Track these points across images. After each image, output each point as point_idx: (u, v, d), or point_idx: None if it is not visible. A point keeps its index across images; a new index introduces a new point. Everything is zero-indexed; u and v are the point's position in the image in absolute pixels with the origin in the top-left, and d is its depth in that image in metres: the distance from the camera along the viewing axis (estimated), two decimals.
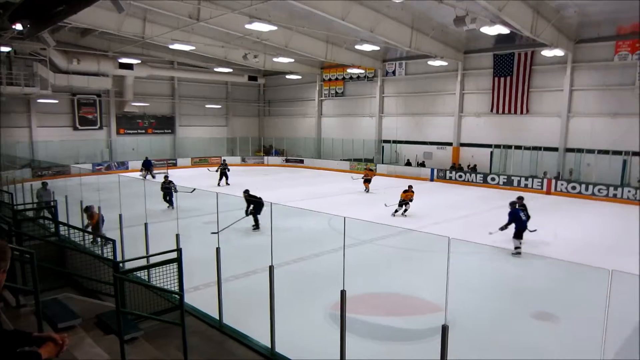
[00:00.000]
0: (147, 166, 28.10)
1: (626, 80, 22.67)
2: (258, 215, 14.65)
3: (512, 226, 12.47)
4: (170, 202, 17.99)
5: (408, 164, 31.21)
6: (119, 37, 26.21)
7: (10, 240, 6.68)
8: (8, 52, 25.16)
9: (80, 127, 32.43)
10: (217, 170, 26.39)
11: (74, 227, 8.99)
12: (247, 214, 14.46)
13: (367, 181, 23.67)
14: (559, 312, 8.60)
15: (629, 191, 21.63)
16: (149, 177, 27.25)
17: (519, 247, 12.29)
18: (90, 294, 7.08)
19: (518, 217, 12.41)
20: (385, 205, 17.49)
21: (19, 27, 14.82)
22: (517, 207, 12.75)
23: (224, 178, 25.82)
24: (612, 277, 3.39)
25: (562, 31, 22.54)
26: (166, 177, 19.52)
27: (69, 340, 2.71)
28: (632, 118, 22.61)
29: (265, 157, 38.69)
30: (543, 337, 7.72)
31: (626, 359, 6.77)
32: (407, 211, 17.51)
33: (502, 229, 12.48)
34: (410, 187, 17.89)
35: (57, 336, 2.65)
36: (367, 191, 23.33)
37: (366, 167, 26.32)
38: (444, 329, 4.17)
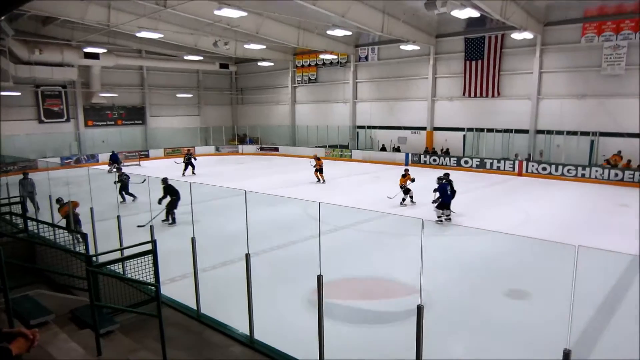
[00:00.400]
0: (115, 160, 27.49)
1: (593, 62, 23.15)
2: (174, 210, 13.94)
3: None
4: (130, 195, 17.45)
5: (383, 149, 31.37)
6: (82, 26, 25.36)
7: None
8: None
9: (46, 120, 31.38)
10: (183, 161, 25.97)
11: (44, 222, 8.75)
12: (159, 203, 13.75)
13: (318, 171, 22.34)
14: (531, 289, 8.81)
15: (597, 171, 22.21)
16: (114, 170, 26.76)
17: (441, 217, 14.06)
18: (63, 290, 6.93)
19: (445, 191, 14.09)
20: (388, 197, 16.76)
21: None
22: (444, 182, 14.27)
23: (189, 168, 25.39)
24: (579, 252, 3.45)
25: (531, 14, 22.83)
26: (119, 168, 18.88)
27: (40, 335, 2.64)
28: (599, 99, 23.22)
29: (240, 146, 38.34)
30: (516, 314, 7.92)
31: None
32: (413, 197, 16.85)
33: (434, 202, 14.22)
34: (406, 170, 17.41)
35: (27, 331, 2.58)
36: (320, 181, 22.19)
37: (314, 154, 24.77)
38: (419, 309, 4.21)
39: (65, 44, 28.85)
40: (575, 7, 22.54)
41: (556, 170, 23.44)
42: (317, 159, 22.92)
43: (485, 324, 7.52)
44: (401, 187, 16.86)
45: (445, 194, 14.04)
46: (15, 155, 26.61)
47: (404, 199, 16.84)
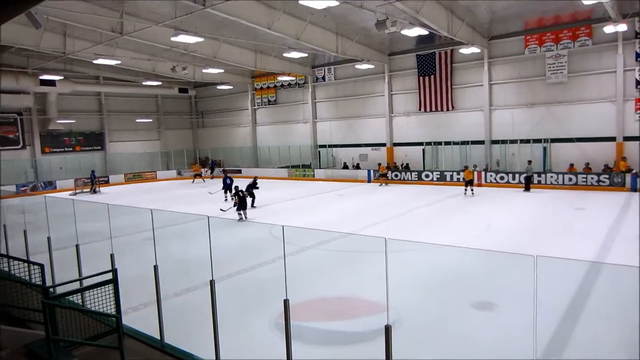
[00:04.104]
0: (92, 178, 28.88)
1: (538, 72, 24.35)
2: None
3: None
4: None
5: (345, 167, 31.72)
6: (38, 53, 24.96)
7: None
8: None
9: (0, 147, 30.57)
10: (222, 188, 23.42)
11: None
12: None
13: None
14: (497, 301, 8.84)
15: (552, 177, 23.08)
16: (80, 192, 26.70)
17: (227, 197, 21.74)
18: (19, 323, 6.74)
19: (225, 181, 22.42)
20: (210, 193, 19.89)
21: None
22: (226, 175, 23.10)
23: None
24: (538, 262, 3.59)
25: (476, 29, 23.87)
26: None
27: None
28: (546, 106, 24.39)
29: (202, 169, 37.96)
30: (484, 327, 7.92)
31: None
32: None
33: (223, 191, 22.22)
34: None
35: None
36: None
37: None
38: (387, 329, 4.23)
39: (20, 71, 28.25)
40: (516, 20, 23.58)
41: (513, 178, 24.17)
42: None
43: (453, 338, 7.51)
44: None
45: (225, 183, 22.24)
46: None
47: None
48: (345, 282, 10.63)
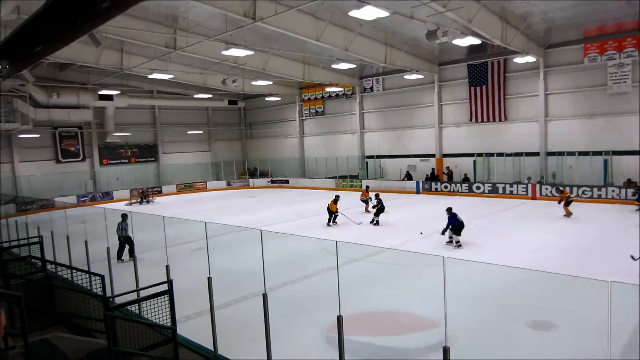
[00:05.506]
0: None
1: (598, 81, 23.21)
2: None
3: None
4: None
5: (409, 177, 31.02)
6: (97, 69, 26.28)
7: None
8: None
9: (62, 160, 32.40)
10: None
11: (61, 265, 8.86)
12: None
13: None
14: (556, 322, 8.41)
15: (613, 191, 21.86)
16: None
17: None
18: (80, 331, 6.98)
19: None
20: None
21: None
22: None
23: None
24: (607, 287, 3.50)
25: (531, 38, 23.07)
26: None
27: None
28: (607, 117, 23.16)
29: (251, 180, 38.64)
30: (540, 348, 7.56)
31: None
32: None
33: None
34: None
35: None
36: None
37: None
38: (445, 351, 4.09)
39: (81, 87, 29.91)
40: (574, 28, 22.68)
41: (571, 192, 23.03)
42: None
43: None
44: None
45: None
46: (33, 195, 27.26)
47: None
48: (394, 295, 10.45)
